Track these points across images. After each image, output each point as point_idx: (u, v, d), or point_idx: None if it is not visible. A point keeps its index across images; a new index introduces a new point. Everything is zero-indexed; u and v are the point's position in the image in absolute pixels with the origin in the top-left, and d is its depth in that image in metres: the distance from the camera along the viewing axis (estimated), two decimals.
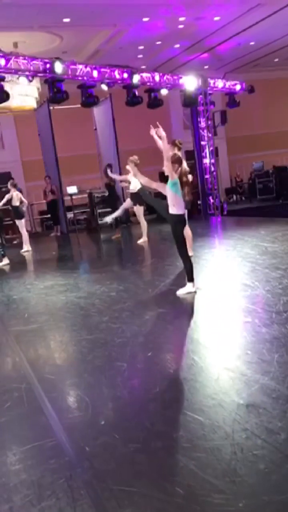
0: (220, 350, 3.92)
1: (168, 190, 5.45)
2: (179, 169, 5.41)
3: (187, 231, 7.14)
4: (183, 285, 5.62)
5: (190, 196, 5.57)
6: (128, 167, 9.84)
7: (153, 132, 5.85)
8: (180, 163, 5.44)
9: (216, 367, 3.57)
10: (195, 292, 5.51)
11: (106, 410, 3.19)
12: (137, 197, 9.98)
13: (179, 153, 6.57)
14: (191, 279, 5.56)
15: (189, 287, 5.54)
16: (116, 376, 3.66)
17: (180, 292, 5.55)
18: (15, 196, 10.77)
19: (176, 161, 5.38)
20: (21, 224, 11.12)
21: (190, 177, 5.97)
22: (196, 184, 14.45)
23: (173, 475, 2.38)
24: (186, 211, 6.71)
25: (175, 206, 5.45)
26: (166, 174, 5.44)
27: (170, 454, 2.56)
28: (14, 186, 10.95)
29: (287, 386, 3.07)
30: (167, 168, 5.35)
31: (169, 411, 3.03)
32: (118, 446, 2.68)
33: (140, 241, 9.98)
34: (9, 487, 2.45)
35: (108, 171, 11.43)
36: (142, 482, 2.35)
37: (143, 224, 10.02)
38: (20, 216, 11.03)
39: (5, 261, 9.65)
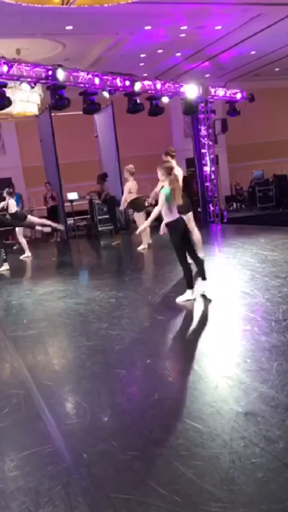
0: (219, 358, 3.91)
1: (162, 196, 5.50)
2: (170, 177, 5.47)
3: (196, 234, 7.18)
4: (183, 292, 5.62)
5: (184, 199, 5.64)
6: (125, 176, 9.97)
7: None
8: (171, 171, 5.50)
9: (215, 375, 3.57)
10: (194, 299, 5.51)
11: (105, 417, 3.18)
12: (135, 204, 10.01)
13: (173, 162, 6.71)
14: (190, 286, 5.56)
15: (188, 294, 5.55)
16: (115, 383, 3.65)
17: (180, 299, 5.56)
18: (11, 204, 10.78)
19: (167, 168, 5.46)
20: (19, 231, 11.15)
21: (180, 182, 6.09)
22: (196, 192, 14.50)
23: (171, 483, 2.37)
24: (190, 214, 6.77)
25: (167, 216, 5.48)
26: (160, 182, 5.57)
27: (169, 462, 2.55)
28: (9, 194, 10.96)
29: (286, 395, 3.07)
30: (160, 177, 5.52)
31: (168, 418, 3.02)
32: (116, 453, 2.67)
33: (139, 248, 9.98)
34: (6, 493, 2.44)
35: (121, 208, 11.23)
36: (140, 489, 2.35)
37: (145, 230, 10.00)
38: (18, 223, 11.07)
39: (5, 266, 9.65)
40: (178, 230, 5.55)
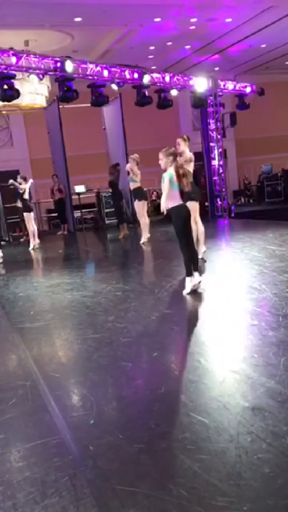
0: (226, 353, 3.90)
1: (162, 183, 5.46)
2: (174, 162, 5.47)
3: (200, 227, 7.15)
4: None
5: (189, 186, 5.61)
6: (129, 164, 9.89)
7: None
8: (175, 157, 5.49)
9: (221, 369, 3.55)
10: (196, 288, 5.48)
11: (111, 409, 3.19)
12: (137, 193, 9.95)
13: (187, 148, 6.71)
14: (189, 274, 5.54)
15: (187, 282, 5.52)
16: (121, 375, 3.65)
17: (185, 291, 5.53)
18: (27, 189, 10.99)
19: (170, 154, 5.46)
20: (30, 217, 11.23)
21: (186, 170, 6.05)
22: (204, 185, 14.42)
23: (177, 477, 2.36)
24: (196, 204, 6.73)
25: (170, 201, 5.45)
26: (162, 167, 5.52)
27: (175, 455, 2.55)
28: (25, 179, 11.10)
29: None
30: (164, 161, 5.47)
31: (174, 412, 3.01)
32: (122, 446, 2.67)
33: (141, 241, 9.88)
34: (13, 484, 2.45)
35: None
36: (146, 482, 2.34)
37: (144, 221, 9.92)
38: (29, 209, 11.21)
39: None
40: (181, 216, 5.52)
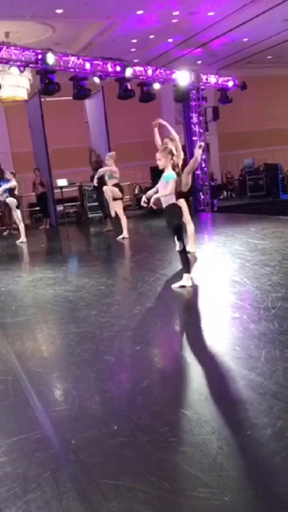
0: (208, 346, 3.93)
1: (164, 183, 5.44)
2: (172, 161, 5.46)
3: (191, 227, 7.15)
4: (174, 280, 5.63)
5: (182, 186, 5.64)
6: (109, 168, 9.73)
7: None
8: (173, 155, 5.49)
9: (203, 363, 3.58)
10: (191, 285, 5.50)
11: (93, 403, 3.18)
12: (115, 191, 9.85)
13: (173, 146, 6.69)
14: (187, 271, 5.54)
15: (184, 279, 5.54)
16: (104, 370, 3.65)
17: (175, 285, 5.54)
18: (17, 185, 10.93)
19: (169, 153, 5.44)
20: (18, 214, 11.17)
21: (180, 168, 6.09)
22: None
23: (159, 469, 2.37)
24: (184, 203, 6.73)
25: (168, 198, 5.45)
26: (161, 167, 5.48)
27: (157, 448, 2.55)
28: (14, 175, 11.01)
29: (274, 382, 3.08)
30: (163, 162, 5.40)
31: (156, 405, 3.02)
32: (104, 440, 2.67)
33: (120, 237, 9.76)
34: None
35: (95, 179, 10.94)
36: (128, 475, 2.35)
37: (123, 219, 9.79)
38: (19, 205, 11.17)
39: None
40: (176, 214, 5.53)
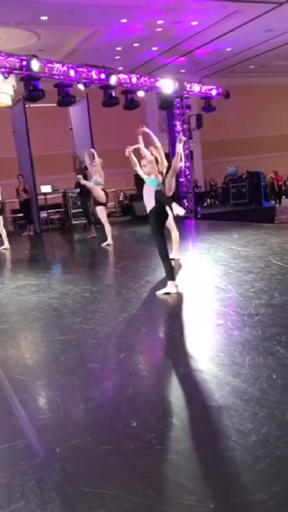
0: (193, 352, 3.94)
1: (150, 188, 5.49)
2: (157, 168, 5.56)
3: (175, 234, 7.19)
4: (158, 287, 5.64)
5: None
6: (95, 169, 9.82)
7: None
8: (158, 163, 5.57)
9: (188, 369, 3.59)
10: (176, 292, 5.52)
11: (78, 411, 3.17)
12: (95, 199, 9.86)
13: (157, 154, 6.78)
14: (172, 278, 5.57)
15: (169, 287, 5.56)
16: (89, 377, 3.64)
17: (160, 292, 5.55)
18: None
19: (155, 160, 5.52)
20: (0, 220, 11.08)
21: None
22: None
23: (144, 477, 2.37)
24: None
25: (152, 200, 5.49)
26: (145, 174, 5.53)
27: (142, 456, 2.55)
28: None
29: (258, 389, 3.11)
30: (149, 168, 5.46)
31: (142, 413, 3.02)
32: (89, 448, 2.66)
33: (104, 244, 9.77)
34: None
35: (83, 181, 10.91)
36: (114, 484, 2.34)
37: (107, 226, 9.78)
38: (2, 211, 11.08)
39: None
40: (161, 218, 5.57)
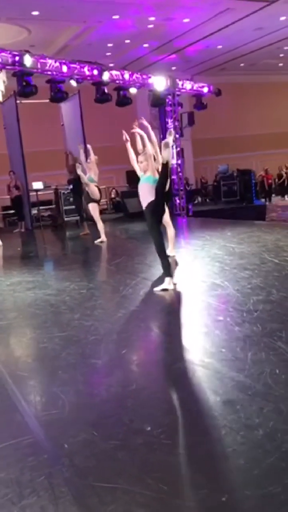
0: (194, 348, 3.95)
1: (146, 185, 5.49)
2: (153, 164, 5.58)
3: (171, 231, 7.20)
4: (155, 283, 5.65)
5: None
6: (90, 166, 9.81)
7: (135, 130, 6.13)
8: (154, 159, 5.59)
9: (190, 365, 3.60)
10: (173, 288, 5.52)
11: (83, 407, 3.16)
12: (88, 196, 9.84)
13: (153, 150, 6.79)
14: (169, 275, 5.58)
15: (166, 283, 5.56)
16: (91, 373, 3.64)
17: (157, 288, 5.56)
18: None
19: (150, 156, 5.52)
20: None
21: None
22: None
23: (155, 471, 2.38)
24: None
25: (150, 194, 5.49)
26: (141, 171, 5.52)
27: (151, 450, 2.56)
28: None
29: (262, 384, 3.13)
30: (145, 165, 5.47)
31: (147, 408, 3.03)
32: (97, 443, 2.66)
33: (97, 241, 9.74)
34: None
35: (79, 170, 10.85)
36: (124, 478, 2.34)
37: (99, 223, 9.76)
38: None
39: None
40: (158, 213, 5.57)
